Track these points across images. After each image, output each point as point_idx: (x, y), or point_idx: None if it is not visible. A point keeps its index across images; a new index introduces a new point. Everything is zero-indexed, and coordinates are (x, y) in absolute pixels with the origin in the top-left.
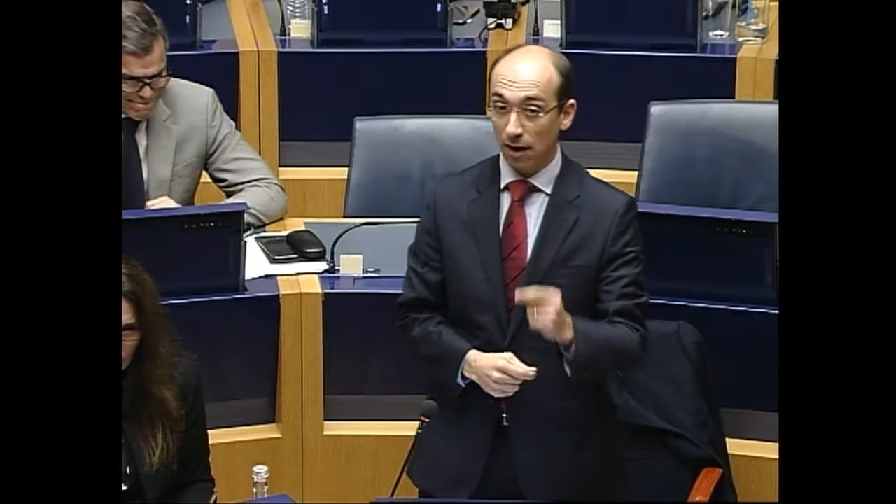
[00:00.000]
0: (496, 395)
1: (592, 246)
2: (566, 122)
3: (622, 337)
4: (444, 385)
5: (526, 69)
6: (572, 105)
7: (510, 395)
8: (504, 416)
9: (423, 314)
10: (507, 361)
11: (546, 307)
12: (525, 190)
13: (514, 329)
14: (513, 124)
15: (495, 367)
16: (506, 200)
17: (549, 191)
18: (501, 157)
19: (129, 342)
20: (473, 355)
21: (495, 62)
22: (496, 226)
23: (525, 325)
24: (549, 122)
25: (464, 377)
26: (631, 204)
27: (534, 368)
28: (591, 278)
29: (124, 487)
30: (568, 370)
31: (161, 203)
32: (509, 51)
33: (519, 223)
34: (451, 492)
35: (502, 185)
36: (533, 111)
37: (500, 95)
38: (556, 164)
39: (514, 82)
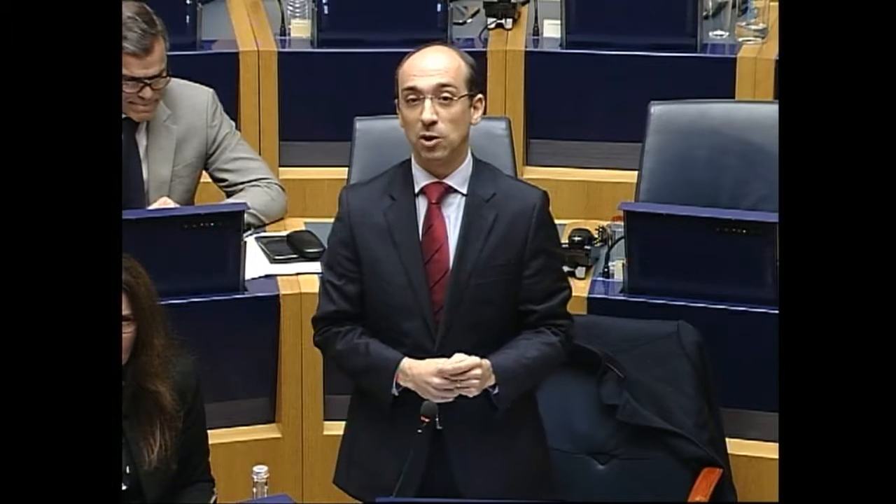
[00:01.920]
0: (437, 400)
1: (514, 242)
2: (476, 116)
3: (543, 353)
4: (375, 395)
5: (434, 60)
6: (480, 99)
7: (450, 399)
8: (437, 419)
9: (344, 327)
10: (444, 365)
11: (468, 377)
12: (441, 191)
13: (442, 333)
14: (428, 110)
15: (434, 373)
16: (422, 204)
17: (464, 191)
18: (413, 162)
19: (125, 334)
20: (408, 363)
21: (399, 64)
22: (415, 230)
23: (453, 328)
24: (462, 111)
25: (397, 386)
26: (545, 198)
27: (472, 359)
28: (515, 275)
29: (124, 487)
30: (495, 403)
31: (161, 203)
32: (414, 51)
33: (438, 226)
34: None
35: (417, 190)
36: (446, 98)
37: (413, 87)
38: (468, 163)
39: (424, 72)
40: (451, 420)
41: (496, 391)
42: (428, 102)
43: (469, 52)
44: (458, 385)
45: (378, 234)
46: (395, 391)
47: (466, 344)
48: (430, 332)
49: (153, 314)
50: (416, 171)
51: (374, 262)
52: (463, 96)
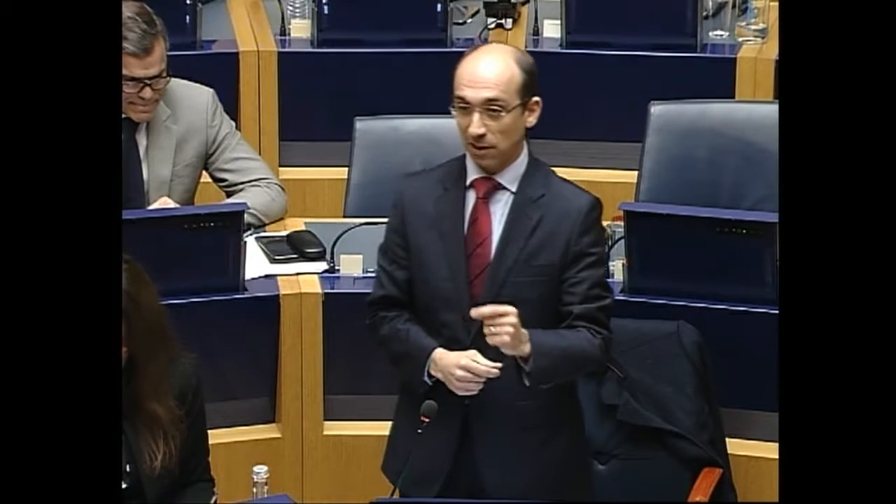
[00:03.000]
0: (460, 393)
1: (556, 245)
2: (531, 119)
3: (582, 345)
4: (411, 383)
5: (486, 69)
6: (537, 102)
7: (474, 392)
8: (469, 414)
9: (391, 312)
10: (471, 359)
11: (502, 322)
12: (489, 187)
13: (477, 326)
14: (475, 125)
15: (458, 366)
16: (471, 198)
17: (514, 189)
18: (467, 155)
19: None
20: (439, 353)
21: (458, 62)
22: (461, 222)
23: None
24: (513, 121)
25: (430, 375)
26: (595, 204)
27: (498, 365)
28: (554, 278)
29: (124, 486)
30: (526, 381)
31: (161, 203)
32: (473, 51)
33: (483, 220)
34: (421, 489)
35: (468, 183)
36: (495, 111)
37: (462, 97)
38: (521, 162)
39: (474, 83)
40: (483, 414)
41: (528, 367)
42: (476, 116)
43: None
44: (492, 330)
45: (426, 223)
46: (427, 381)
47: None
48: (466, 325)
49: (151, 340)
50: (470, 164)
51: (420, 251)
52: (514, 108)
